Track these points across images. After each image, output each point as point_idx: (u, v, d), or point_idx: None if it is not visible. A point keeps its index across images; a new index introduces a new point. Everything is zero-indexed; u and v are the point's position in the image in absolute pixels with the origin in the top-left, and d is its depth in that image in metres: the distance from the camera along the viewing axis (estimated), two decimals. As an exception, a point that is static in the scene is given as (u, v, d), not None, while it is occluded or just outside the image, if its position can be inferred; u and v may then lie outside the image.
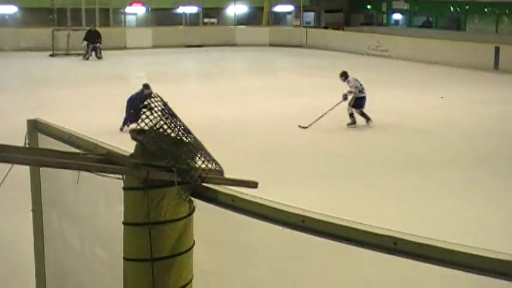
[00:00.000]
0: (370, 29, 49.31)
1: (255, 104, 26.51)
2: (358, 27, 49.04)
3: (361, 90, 22.55)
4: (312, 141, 20.03)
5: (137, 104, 18.95)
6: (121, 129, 20.05)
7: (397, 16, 50.43)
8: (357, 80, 22.65)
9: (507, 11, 41.73)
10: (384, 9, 50.26)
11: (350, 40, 47.13)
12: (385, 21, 51.03)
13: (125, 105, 20.52)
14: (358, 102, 22.51)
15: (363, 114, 22.22)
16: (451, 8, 45.37)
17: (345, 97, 22.24)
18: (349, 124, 22.32)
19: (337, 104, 21.70)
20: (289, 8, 50.33)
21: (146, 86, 20.05)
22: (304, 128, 21.07)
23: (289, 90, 30.13)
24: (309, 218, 3.44)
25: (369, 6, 51.31)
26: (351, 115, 22.25)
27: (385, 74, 34.58)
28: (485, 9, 41.62)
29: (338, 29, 48.63)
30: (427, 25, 48.13)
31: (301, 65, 40.03)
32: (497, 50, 37.19)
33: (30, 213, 6.12)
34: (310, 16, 51.44)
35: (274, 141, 20.28)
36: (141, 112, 5.95)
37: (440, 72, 34.97)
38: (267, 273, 4.68)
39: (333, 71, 27.05)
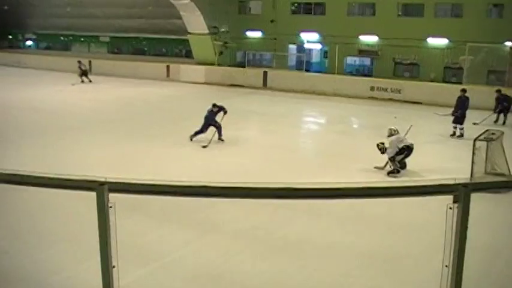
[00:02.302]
0: (12, 50, 50.99)
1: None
2: (4, 49, 46.38)
3: None
4: None
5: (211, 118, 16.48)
6: (191, 139, 16.33)
7: (29, 42, 48.07)
8: None
9: (93, 40, 42.47)
10: (21, 37, 47.72)
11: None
12: (22, 45, 48.66)
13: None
14: None
15: None
16: (62, 38, 44.57)
17: None
18: None
19: None
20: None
21: (214, 105, 16.53)
22: None
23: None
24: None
25: (10, 36, 48.20)
26: None
27: (17, 78, 34.66)
28: (82, 39, 41.75)
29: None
30: (48, 48, 47.20)
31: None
32: (90, 62, 38.59)
33: None
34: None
35: None
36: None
37: (58, 76, 33.88)
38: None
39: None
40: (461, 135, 17.87)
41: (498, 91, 20.74)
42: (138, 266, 7.23)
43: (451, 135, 18.15)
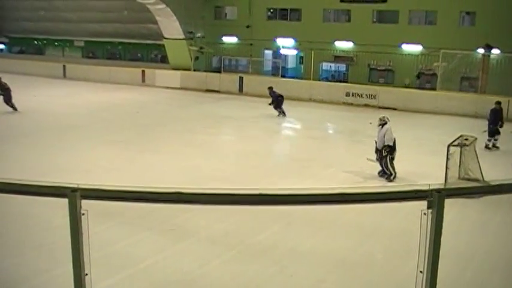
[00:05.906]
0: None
1: None
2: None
3: None
4: None
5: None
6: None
7: (0, 46, 47.33)
8: None
9: (68, 44, 42.29)
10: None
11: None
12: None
13: None
14: None
15: None
16: (35, 42, 44.09)
17: None
18: None
19: None
20: None
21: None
22: None
23: None
24: None
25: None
26: None
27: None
28: (56, 43, 41.31)
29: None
30: (22, 52, 45.83)
31: None
32: (64, 66, 39.72)
33: None
34: None
35: None
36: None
37: (32, 80, 33.32)
38: None
39: None
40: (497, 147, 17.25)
41: None
42: (111, 273, 7.14)
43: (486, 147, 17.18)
